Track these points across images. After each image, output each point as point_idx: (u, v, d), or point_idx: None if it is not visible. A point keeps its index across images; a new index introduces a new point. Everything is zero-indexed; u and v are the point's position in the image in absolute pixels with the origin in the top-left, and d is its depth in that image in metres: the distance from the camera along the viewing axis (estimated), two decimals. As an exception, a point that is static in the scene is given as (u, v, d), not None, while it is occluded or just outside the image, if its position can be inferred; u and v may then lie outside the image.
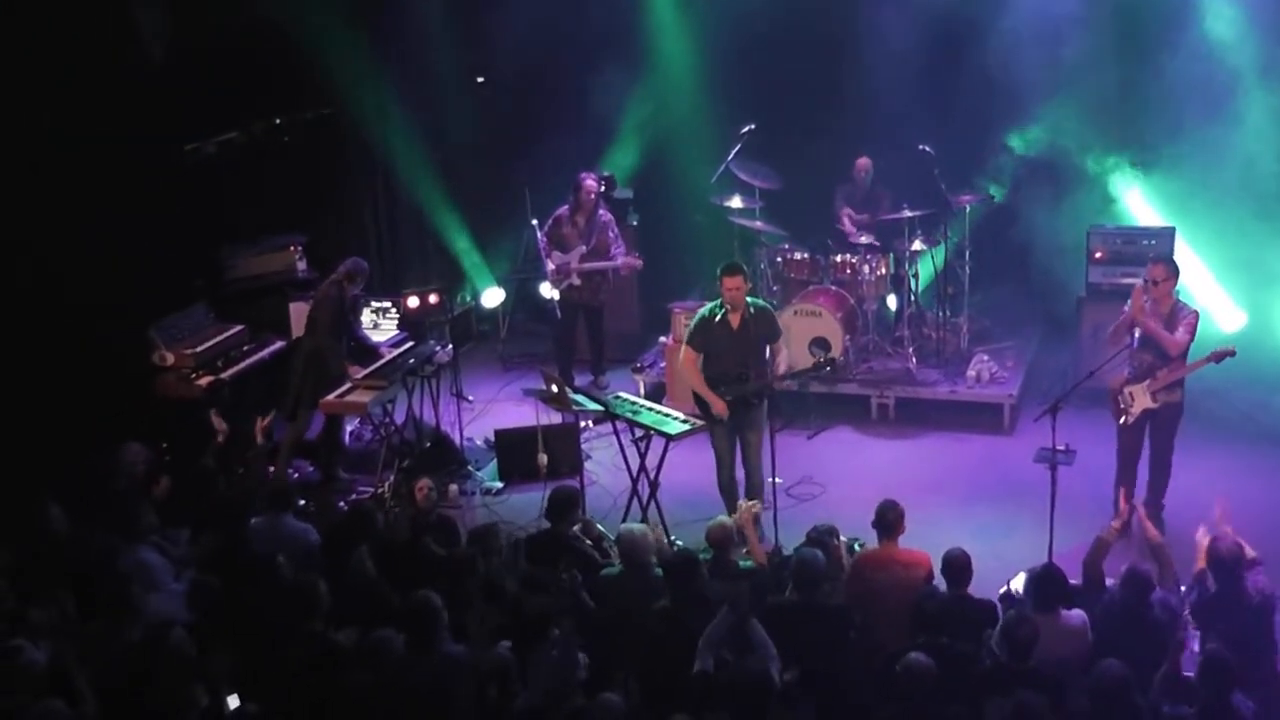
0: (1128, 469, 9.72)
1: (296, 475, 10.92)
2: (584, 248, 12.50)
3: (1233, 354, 9.34)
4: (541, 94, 14.12)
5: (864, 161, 12.99)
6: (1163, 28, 12.44)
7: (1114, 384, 9.59)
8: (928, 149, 12.23)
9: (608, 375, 13.07)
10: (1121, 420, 9.58)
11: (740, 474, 9.95)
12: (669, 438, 9.69)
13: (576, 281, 12.56)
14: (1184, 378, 9.48)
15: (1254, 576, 7.34)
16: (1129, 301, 9.45)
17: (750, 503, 8.75)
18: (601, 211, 12.68)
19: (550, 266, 12.55)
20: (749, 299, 9.68)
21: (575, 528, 8.55)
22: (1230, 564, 7.26)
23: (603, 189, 13.51)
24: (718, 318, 9.63)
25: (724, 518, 8.31)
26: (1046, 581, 7.29)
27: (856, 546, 8.41)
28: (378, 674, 6.70)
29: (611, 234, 12.59)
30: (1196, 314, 9.39)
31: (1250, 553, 7.51)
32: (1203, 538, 7.64)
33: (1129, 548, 8.25)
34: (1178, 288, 9.55)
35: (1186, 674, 6.88)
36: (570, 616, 7.11)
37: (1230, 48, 12.16)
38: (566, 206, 12.59)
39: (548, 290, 12.68)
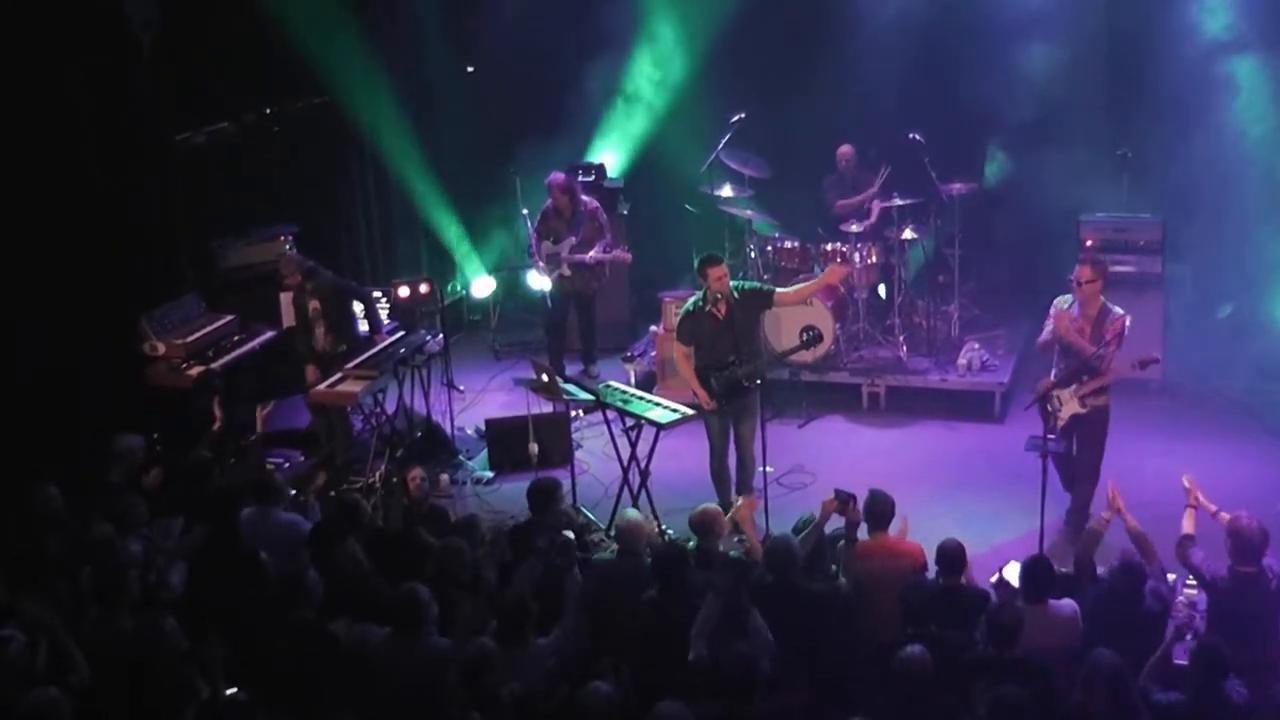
0: (1067, 466, 9.61)
1: (287, 465, 10.90)
2: (574, 239, 12.50)
3: (1157, 361, 9.30)
4: (532, 83, 14.11)
5: (846, 149, 12.94)
6: (1156, 16, 12.46)
7: (1041, 387, 9.47)
8: (918, 137, 12.22)
9: (598, 364, 13.07)
10: (1052, 424, 9.43)
11: (732, 462, 9.95)
12: (659, 427, 9.69)
13: (567, 272, 12.56)
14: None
15: (1269, 560, 7.36)
16: (1053, 308, 9.40)
17: (746, 500, 8.74)
18: (586, 199, 12.68)
19: (537, 259, 12.57)
20: (733, 283, 9.68)
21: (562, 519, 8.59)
22: (1258, 543, 7.26)
23: (592, 178, 13.53)
24: (703, 309, 9.64)
25: (709, 505, 8.28)
26: (1035, 572, 7.30)
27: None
28: (361, 666, 6.71)
29: (598, 222, 12.59)
30: (1124, 317, 9.23)
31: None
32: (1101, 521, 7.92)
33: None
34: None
35: (1179, 661, 6.91)
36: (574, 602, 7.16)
37: (1224, 38, 12.18)
38: (552, 201, 12.61)
39: (536, 280, 12.68)
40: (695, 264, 9.65)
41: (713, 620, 6.99)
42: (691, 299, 9.85)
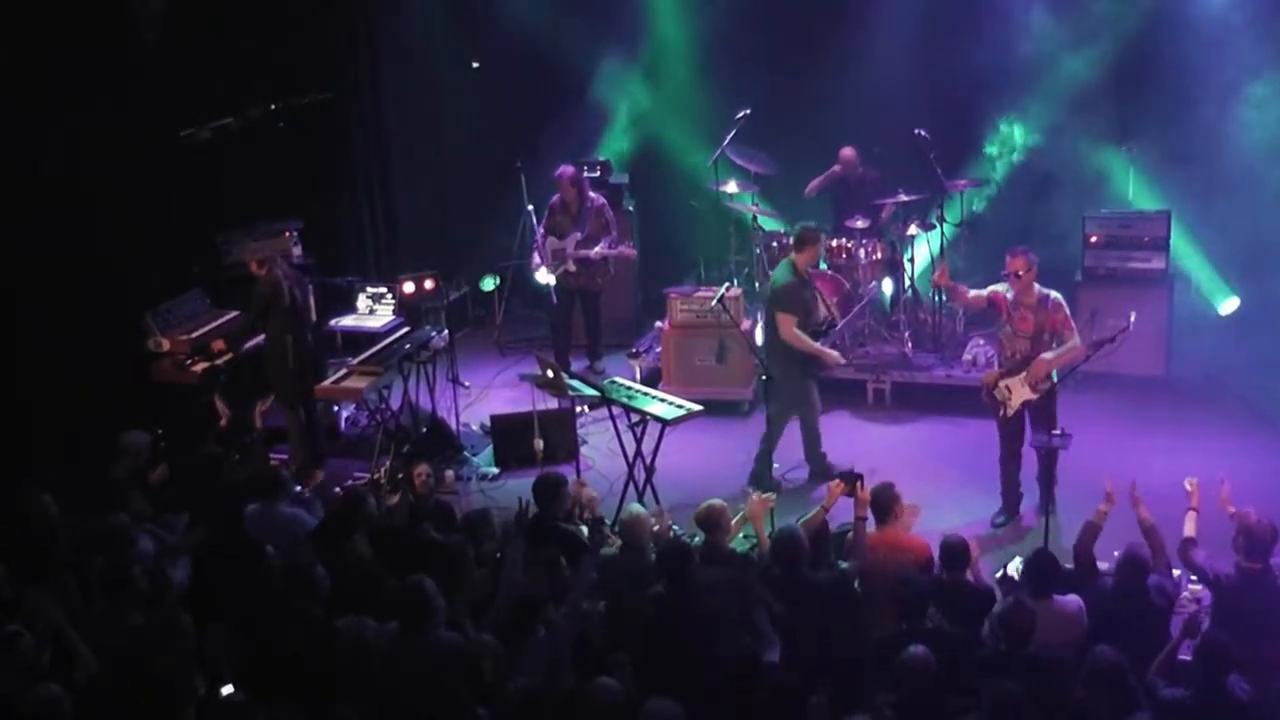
0: (1013, 458, 9.69)
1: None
2: (579, 234, 12.49)
3: (1112, 341, 9.29)
4: (538, 79, 14.11)
5: (848, 152, 12.87)
6: (1161, 8, 12.43)
7: (987, 379, 9.58)
8: (923, 133, 12.20)
9: (604, 360, 13.07)
10: (1000, 413, 9.49)
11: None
12: (665, 423, 9.70)
13: (572, 268, 12.54)
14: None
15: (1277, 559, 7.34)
16: (990, 290, 9.62)
17: (766, 495, 8.73)
18: (593, 195, 12.67)
19: (536, 259, 12.56)
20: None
21: (576, 511, 8.58)
22: (1267, 541, 7.25)
23: (597, 174, 13.52)
24: (804, 276, 10.14)
25: (714, 501, 8.15)
26: (1040, 567, 7.31)
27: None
28: (364, 661, 6.72)
29: (604, 219, 12.57)
30: (1060, 297, 9.43)
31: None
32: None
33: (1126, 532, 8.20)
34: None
35: (1183, 657, 6.90)
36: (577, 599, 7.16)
37: (1230, 30, 12.14)
38: (559, 195, 12.60)
39: (543, 276, 12.68)
40: (798, 233, 10.20)
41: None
42: (780, 273, 10.17)
